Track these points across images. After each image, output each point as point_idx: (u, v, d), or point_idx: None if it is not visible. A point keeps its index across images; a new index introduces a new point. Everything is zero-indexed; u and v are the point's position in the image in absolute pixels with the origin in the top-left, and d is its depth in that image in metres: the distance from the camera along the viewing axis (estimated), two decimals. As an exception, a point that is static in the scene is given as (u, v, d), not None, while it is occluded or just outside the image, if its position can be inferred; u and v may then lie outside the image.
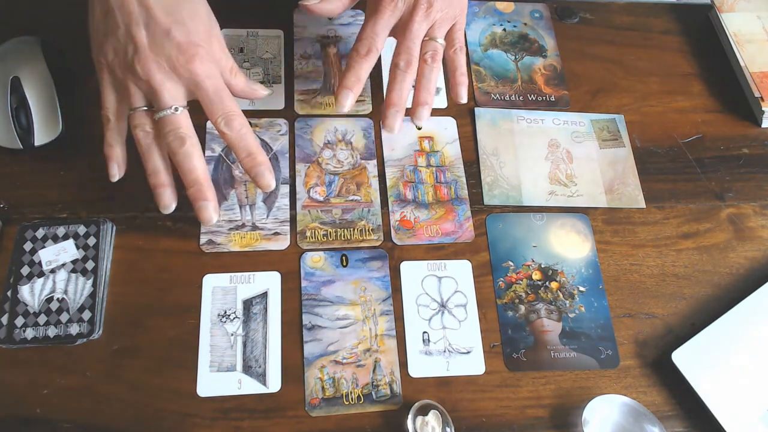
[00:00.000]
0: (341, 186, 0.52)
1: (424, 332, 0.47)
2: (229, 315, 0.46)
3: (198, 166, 0.41)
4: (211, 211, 0.42)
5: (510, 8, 0.64)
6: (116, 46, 0.40)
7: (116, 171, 0.44)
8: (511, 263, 0.50)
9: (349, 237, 0.50)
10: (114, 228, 0.48)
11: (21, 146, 0.49)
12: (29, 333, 0.44)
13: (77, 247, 0.47)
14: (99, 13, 0.40)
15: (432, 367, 0.46)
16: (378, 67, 0.58)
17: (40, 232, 0.47)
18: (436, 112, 0.57)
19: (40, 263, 0.46)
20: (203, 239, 0.48)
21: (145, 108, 0.41)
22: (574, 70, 0.61)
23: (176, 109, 0.40)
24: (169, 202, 0.43)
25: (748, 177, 0.57)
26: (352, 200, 0.51)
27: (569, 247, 0.52)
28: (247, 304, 0.47)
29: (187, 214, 0.49)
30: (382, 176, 0.53)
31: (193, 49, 0.39)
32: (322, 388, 0.44)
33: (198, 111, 0.50)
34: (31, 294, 0.45)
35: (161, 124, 0.40)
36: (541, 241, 0.52)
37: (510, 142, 0.56)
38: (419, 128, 0.53)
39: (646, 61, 0.63)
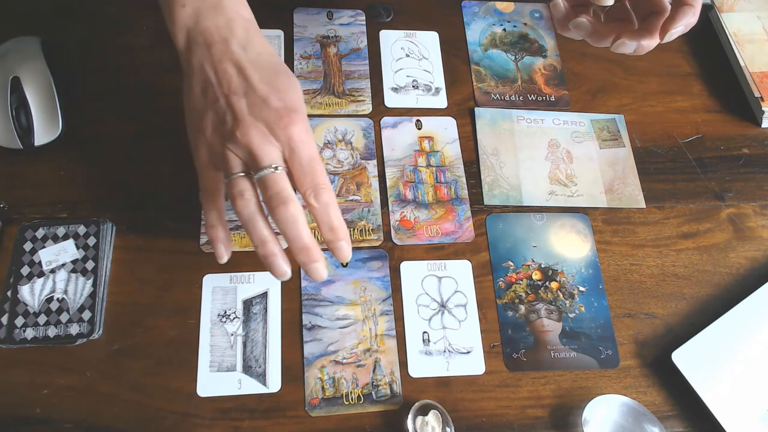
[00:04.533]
0: (341, 186, 0.52)
1: (424, 332, 0.47)
2: (229, 315, 0.46)
3: (304, 230, 0.39)
4: (322, 270, 0.41)
5: (510, 8, 0.64)
6: (215, 119, 0.40)
7: (224, 252, 0.41)
8: (511, 263, 0.50)
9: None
10: (114, 228, 0.48)
11: (21, 146, 0.49)
12: (29, 333, 0.44)
13: (77, 247, 0.47)
14: (197, 91, 0.41)
15: (432, 367, 0.46)
16: (378, 66, 0.58)
17: (40, 232, 0.47)
18: (436, 112, 0.57)
19: (40, 263, 0.46)
20: (203, 239, 0.48)
21: (243, 173, 0.39)
22: (574, 70, 0.61)
23: (276, 168, 0.38)
24: (285, 269, 0.40)
25: (748, 177, 0.57)
26: (352, 200, 0.51)
27: (569, 247, 0.52)
28: (247, 304, 0.47)
29: (187, 214, 0.49)
30: (382, 176, 0.53)
31: (292, 114, 0.39)
32: (322, 388, 0.44)
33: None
34: (31, 294, 0.45)
35: (262, 186, 0.39)
36: (541, 241, 0.52)
37: (510, 142, 0.56)
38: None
39: (646, 61, 0.62)
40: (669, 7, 0.43)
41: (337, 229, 0.40)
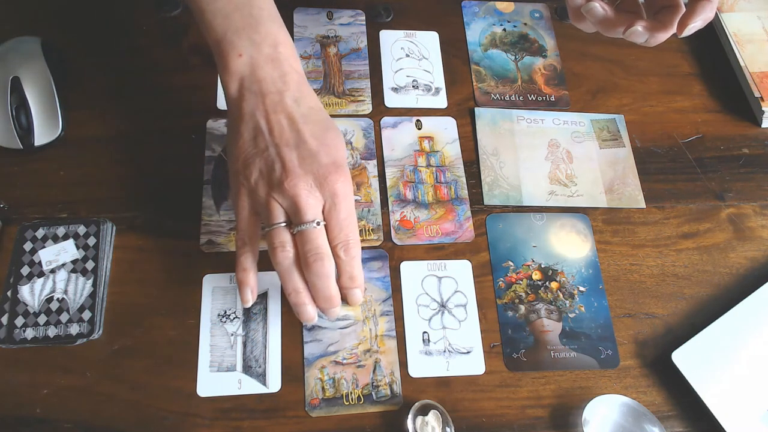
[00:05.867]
0: (341, 186, 0.52)
1: (424, 332, 0.47)
2: (229, 315, 0.46)
3: (332, 284, 0.42)
4: (338, 312, 0.44)
5: (510, 8, 0.64)
6: (263, 166, 0.41)
7: (250, 297, 0.42)
8: (511, 263, 0.50)
9: (349, 237, 0.50)
10: (114, 228, 0.48)
11: (21, 146, 0.49)
12: (29, 333, 0.44)
13: (77, 247, 0.47)
14: (246, 137, 0.41)
15: (432, 367, 0.46)
16: (378, 66, 0.58)
17: (40, 232, 0.47)
18: (436, 112, 0.57)
19: (40, 263, 0.46)
20: (203, 239, 0.48)
21: (284, 223, 0.41)
22: (574, 70, 0.61)
23: (317, 224, 0.40)
24: (313, 315, 0.43)
25: (748, 177, 0.57)
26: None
27: (569, 247, 0.52)
28: (247, 304, 0.47)
29: (187, 214, 0.49)
30: (382, 176, 0.53)
31: (339, 170, 0.41)
32: (322, 388, 0.44)
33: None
34: (31, 294, 0.45)
35: (302, 238, 0.40)
36: (541, 241, 0.52)
37: (510, 142, 0.56)
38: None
39: (646, 61, 0.63)
40: (681, 1, 0.43)
41: (356, 278, 0.43)
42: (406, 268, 0.49)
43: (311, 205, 0.40)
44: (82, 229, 0.47)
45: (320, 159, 0.41)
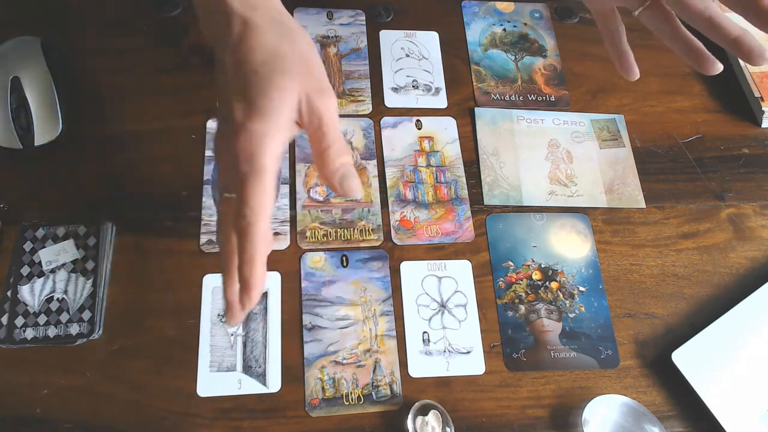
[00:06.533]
0: (341, 186, 0.52)
1: (424, 332, 0.47)
2: (229, 315, 0.46)
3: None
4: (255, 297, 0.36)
5: (510, 8, 0.64)
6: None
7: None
8: (511, 263, 0.50)
9: (349, 237, 0.50)
10: (114, 228, 0.48)
11: (21, 146, 0.49)
12: (29, 333, 0.44)
13: (77, 247, 0.47)
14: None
15: (432, 367, 0.46)
16: (378, 66, 0.58)
17: (40, 232, 0.47)
18: (436, 112, 0.57)
19: (40, 263, 0.46)
20: (203, 239, 0.48)
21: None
22: (574, 70, 0.61)
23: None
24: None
25: (748, 177, 0.57)
26: (352, 200, 0.51)
27: (569, 247, 0.52)
28: (247, 304, 0.46)
29: (187, 214, 0.49)
30: (382, 176, 0.53)
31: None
32: (322, 388, 0.44)
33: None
34: (31, 294, 0.45)
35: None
36: (541, 241, 0.52)
37: (510, 142, 0.56)
38: None
39: (646, 61, 0.62)
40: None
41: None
42: (406, 268, 0.49)
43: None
44: (82, 229, 0.47)
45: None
